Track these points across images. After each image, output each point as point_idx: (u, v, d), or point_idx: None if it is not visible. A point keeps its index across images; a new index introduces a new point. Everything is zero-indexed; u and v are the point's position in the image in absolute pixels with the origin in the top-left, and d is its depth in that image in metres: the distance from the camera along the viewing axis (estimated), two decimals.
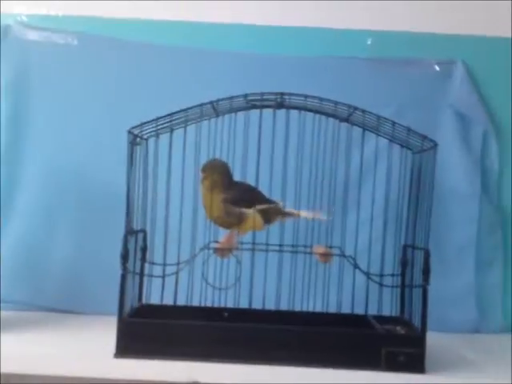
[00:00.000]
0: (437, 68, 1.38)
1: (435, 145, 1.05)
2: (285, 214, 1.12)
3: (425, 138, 1.06)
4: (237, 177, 1.12)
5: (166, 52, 1.38)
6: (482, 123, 1.37)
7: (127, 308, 1.05)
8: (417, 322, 1.05)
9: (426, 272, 1.03)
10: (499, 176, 1.39)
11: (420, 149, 1.09)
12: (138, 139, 1.08)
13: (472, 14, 1.39)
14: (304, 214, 1.12)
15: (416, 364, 1.00)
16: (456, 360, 1.12)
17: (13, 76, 1.38)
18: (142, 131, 1.07)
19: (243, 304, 1.13)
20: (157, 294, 1.11)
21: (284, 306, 1.14)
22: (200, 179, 1.10)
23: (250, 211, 1.10)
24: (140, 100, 1.35)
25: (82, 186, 1.37)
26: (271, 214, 1.11)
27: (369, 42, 1.39)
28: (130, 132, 1.06)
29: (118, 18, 1.39)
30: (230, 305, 1.13)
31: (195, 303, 1.12)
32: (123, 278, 1.03)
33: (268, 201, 1.11)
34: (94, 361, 1.00)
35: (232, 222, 1.10)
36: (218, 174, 1.10)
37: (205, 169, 1.10)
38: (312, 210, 1.12)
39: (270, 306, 1.13)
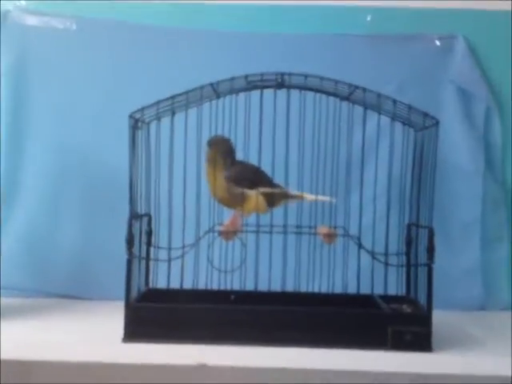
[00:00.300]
0: (438, 43, 1.37)
1: (437, 122, 1.04)
2: (289, 198, 1.12)
3: (426, 115, 1.05)
4: (239, 157, 1.12)
5: (166, 34, 1.37)
6: (484, 99, 1.36)
7: (134, 293, 1.05)
8: (423, 300, 1.05)
9: (431, 250, 1.03)
10: (503, 152, 1.38)
11: (422, 126, 1.08)
12: (140, 123, 1.08)
13: None
14: (308, 197, 1.11)
15: (423, 343, 1.01)
16: (463, 338, 1.12)
17: (13, 61, 1.37)
18: (143, 115, 1.06)
19: (249, 286, 1.13)
20: (163, 278, 1.11)
21: (290, 288, 1.14)
22: (205, 155, 1.10)
23: (251, 192, 1.10)
24: (140, 83, 1.34)
25: (86, 171, 1.36)
26: (275, 197, 1.11)
27: (368, 19, 1.38)
28: (131, 116, 1.05)
29: (116, 1, 1.38)
30: (236, 287, 1.14)
31: (201, 286, 1.12)
32: (129, 262, 1.03)
33: (272, 184, 1.11)
34: (102, 346, 1.01)
35: (234, 201, 1.10)
36: (221, 150, 1.10)
37: (210, 143, 1.10)
38: (315, 192, 1.12)
39: (276, 287, 1.13)
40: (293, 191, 1.12)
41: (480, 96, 1.36)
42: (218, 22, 1.37)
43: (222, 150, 1.10)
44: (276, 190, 1.11)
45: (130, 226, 1.03)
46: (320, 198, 1.11)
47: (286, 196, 1.11)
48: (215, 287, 1.13)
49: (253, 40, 1.36)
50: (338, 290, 1.15)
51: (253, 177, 1.10)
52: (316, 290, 1.17)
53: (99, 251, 1.35)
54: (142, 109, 1.04)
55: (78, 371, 0.96)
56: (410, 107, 1.05)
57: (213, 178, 1.09)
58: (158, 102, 1.04)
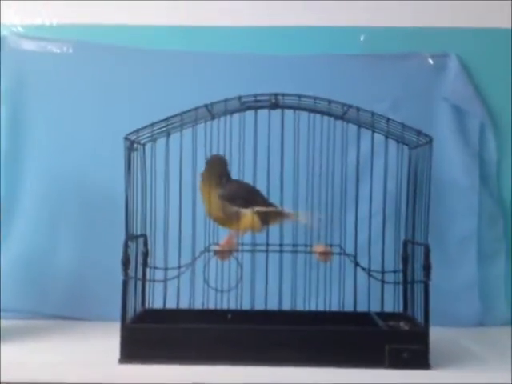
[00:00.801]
0: (431, 61, 1.38)
1: (430, 140, 1.05)
2: (283, 217, 1.12)
3: (420, 133, 1.06)
4: (234, 178, 1.12)
5: (161, 57, 1.39)
6: (478, 115, 1.37)
7: (130, 313, 1.05)
8: (420, 317, 1.05)
9: (427, 268, 1.03)
10: (498, 167, 1.39)
11: (416, 144, 1.09)
12: (135, 145, 1.08)
13: (464, 7, 1.39)
14: (302, 217, 1.12)
15: (420, 360, 1.00)
16: (461, 354, 1.12)
17: (11, 86, 1.39)
18: (138, 137, 1.07)
19: (246, 305, 1.13)
20: (160, 299, 1.11)
21: (286, 306, 1.14)
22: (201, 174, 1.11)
23: (246, 210, 1.10)
24: (136, 105, 1.36)
25: (82, 192, 1.37)
26: (270, 216, 1.11)
27: (362, 39, 1.39)
28: (126, 138, 1.06)
29: (111, 25, 1.39)
30: (232, 307, 1.13)
31: (198, 306, 1.12)
32: (125, 283, 1.03)
33: (267, 203, 1.12)
34: (98, 367, 1.01)
35: (229, 220, 1.10)
36: (217, 168, 1.11)
37: (206, 162, 1.11)
38: (309, 212, 1.12)
39: (273, 306, 1.13)
40: (287, 210, 1.12)
41: (474, 113, 1.37)
42: (212, 45, 1.39)
43: (217, 168, 1.11)
44: (271, 209, 1.11)
45: (126, 248, 1.03)
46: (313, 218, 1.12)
47: (280, 215, 1.12)
48: (212, 307, 1.13)
49: (247, 61, 1.38)
50: (335, 307, 1.15)
51: (247, 195, 1.11)
52: (313, 308, 1.17)
53: (96, 272, 1.35)
54: (137, 130, 1.05)
55: None
56: (403, 125, 1.06)
57: (208, 197, 1.10)
58: (152, 124, 1.05)
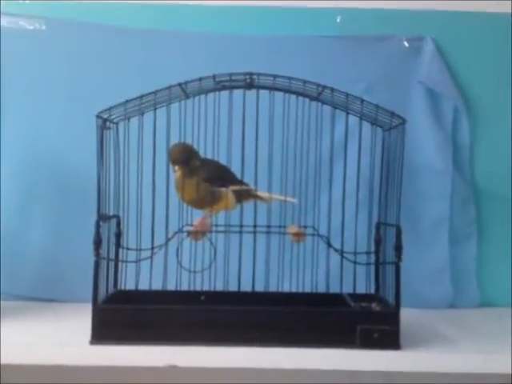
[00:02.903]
0: (406, 44, 1.38)
1: (403, 121, 1.05)
2: (255, 196, 1.12)
3: (393, 114, 1.06)
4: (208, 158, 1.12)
5: (134, 34, 1.37)
6: (452, 99, 1.37)
7: (102, 294, 1.05)
8: (391, 298, 1.05)
9: (398, 249, 1.04)
10: (471, 151, 1.39)
11: (389, 126, 1.09)
12: (108, 123, 1.07)
13: None
14: (274, 196, 1.11)
15: (391, 340, 1.01)
16: (431, 335, 1.13)
17: None
18: (111, 115, 1.06)
19: (219, 286, 1.13)
20: (133, 280, 1.10)
21: (260, 287, 1.13)
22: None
23: (224, 190, 1.10)
24: (109, 84, 1.33)
25: (54, 172, 1.35)
26: (242, 194, 1.11)
27: (338, 20, 1.39)
28: (98, 116, 1.05)
29: (85, 2, 1.37)
30: (205, 288, 1.13)
31: (171, 287, 1.12)
32: (96, 264, 1.02)
33: (240, 181, 1.11)
34: (69, 348, 1.00)
35: (206, 201, 1.10)
36: (184, 157, 1.09)
37: (172, 159, 1.08)
38: (285, 192, 1.12)
39: (246, 287, 1.12)
40: (259, 191, 1.12)
41: (448, 96, 1.37)
42: (187, 23, 1.37)
43: (184, 156, 1.09)
44: (245, 188, 1.11)
45: (98, 228, 1.02)
46: (286, 198, 1.11)
47: (252, 194, 1.12)
48: (185, 288, 1.13)
49: (223, 41, 1.36)
50: (308, 289, 1.16)
51: (223, 175, 1.11)
52: (286, 289, 1.17)
53: (68, 253, 1.34)
54: (110, 108, 1.04)
55: (46, 374, 0.95)
56: (377, 107, 1.06)
57: (181, 184, 1.08)
58: (125, 102, 1.04)
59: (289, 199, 1.12)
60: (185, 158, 1.08)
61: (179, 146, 1.09)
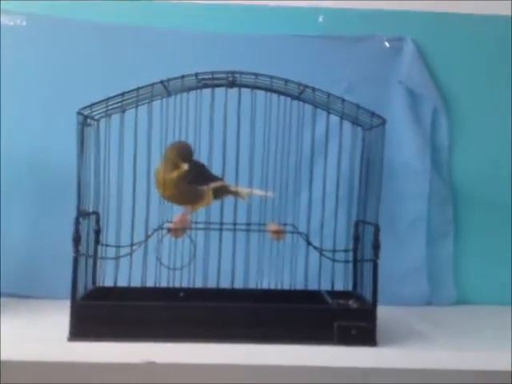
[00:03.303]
0: (387, 45, 1.39)
1: (383, 121, 1.06)
2: (232, 192, 1.12)
3: (373, 114, 1.07)
4: None
5: (116, 31, 1.36)
6: (431, 99, 1.39)
7: (81, 291, 1.05)
8: (369, 296, 1.07)
9: (376, 247, 1.05)
10: (449, 152, 1.41)
11: (370, 125, 1.10)
12: (89, 120, 1.07)
13: None
14: (250, 191, 1.12)
15: (368, 337, 1.02)
16: (408, 332, 1.14)
17: None
18: (92, 112, 1.06)
19: (198, 283, 1.14)
20: (112, 277, 1.10)
21: (239, 284, 1.14)
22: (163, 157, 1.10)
23: (205, 188, 1.10)
24: (91, 80, 1.33)
25: (35, 168, 1.35)
26: (220, 190, 1.11)
27: (320, 20, 1.39)
28: (79, 113, 1.04)
29: None
30: (185, 284, 1.14)
31: (150, 284, 1.12)
32: (75, 260, 1.02)
33: (217, 177, 1.12)
34: (47, 345, 1.00)
35: (187, 199, 1.10)
36: (169, 154, 1.09)
37: (185, 156, 1.08)
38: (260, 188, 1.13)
39: (225, 284, 1.13)
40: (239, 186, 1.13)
41: (428, 97, 1.39)
42: (170, 21, 1.37)
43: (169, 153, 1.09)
44: (224, 184, 1.12)
45: (77, 224, 1.02)
46: (261, 192, 1.12)
47: (229, 189, 1.12)
48: (164, 285, 1.13)
49: (204, 39, 1.36)
50: (287, 286, 1.16)
51: (202, 174, 1.11)
52: (265, 286, 1.18)
53: (47, 249, 1.33)
54: (91, 105, 1.04)
55: (24, 370, 0.95)
56: (357, 106, 1.07)
57: (162, 181, 1.08)
58: (107, 99, 1.04)
59: (267, 193, 1.12)
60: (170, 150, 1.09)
61: (186, 144, 1.09)
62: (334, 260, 1.10)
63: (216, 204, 1.11)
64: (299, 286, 1.16)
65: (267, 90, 1.08)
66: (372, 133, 1.11)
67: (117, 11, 1.37)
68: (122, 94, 1.04)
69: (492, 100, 1.41)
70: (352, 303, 1.11)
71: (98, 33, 1.36)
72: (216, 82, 1.06)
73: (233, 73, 1.05)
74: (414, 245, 1.39)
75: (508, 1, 1.39)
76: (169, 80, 1.04)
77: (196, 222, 1.11)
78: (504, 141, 1.42)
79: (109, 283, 1.12)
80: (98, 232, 1.11)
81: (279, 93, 1.09)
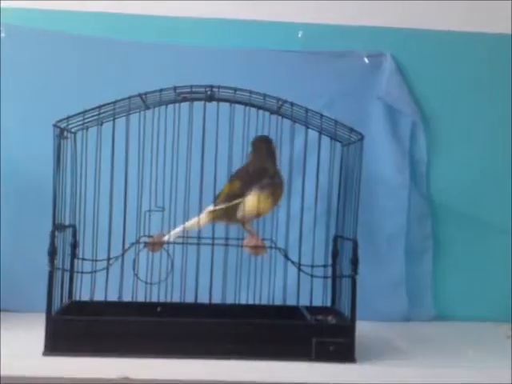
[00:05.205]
0: (366, 61, 1.40)
1: (362, 137, 1.07)
2: None
3: (352, 130, 1.07)
4: (168, 170, 1.11)
5: (94, 44, 1.36)
6: (410, 115, 1.40)
7: (57, 305, 1.03)
8: (347, 311, 1.06)
9: (355, 262, 1.05)
10: (428, 167, 1.42)
11: (348, 141, 1.11)
12: (66, 133, 1.06)
13: (400, 8, 1.41)
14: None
15: (346, 353, 1.02)
16: (386, 348, 1.14)
17: None
18: (68, 124, 1.05)
19: (176, 298, 1.13)
20: (88, 291, 1.09)
21: (217, 300, 1.13)
22: None
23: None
24: (68, 93, 1.33)
25: (10, 181, 1.34)
26: None
27: (300, 35, 1.40)
28: (56, 125, 1.04)
29: (45, 10, 1.36)
30: (162, 299, 1.13)
31: (127, 299, 1.11)
32: (51, 274, 1.01)
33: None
34: (22, 359, 0.99)
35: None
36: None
37: None
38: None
39: (203, 299, 1.12)
40: None
41: (406, 112, 1.40)
42: (148, 35, 1.38)
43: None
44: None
45: (53, 238, 1.01)
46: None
47: None
48: (141, 299, 1.12)
49: (183, 53, 1.37)
50: (265, 301, 1.16)
51: None
52: (243, 301, 1.17)
53: (23, 263, 1.32)
54: (67, 118, 1.03)
55: None
56: (336, 122, 1.07)
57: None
58: (84, 112, 1.03)
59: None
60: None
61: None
62: (312, 275, 1.09)
63: None
64: (277, 302, 1.15)
65: (246, 104, 1.08)
66: (350, 148, 1.11)
67: (95, 24, 1.37)
68: (99, 107, 1.03)
69: (470, 115, 1.43)
70: (330, 319, 1.10)
71: (76, 45, 1.36)
72: (194, 95, 1.06)
73: (211, 87, 1.05)
74: (392, 260, 1.39)
75: (484, 18, 1.41)
76: (147, 93, 1.04)
77: None
78: (482, 155, 1.43)
79: (85, 297, 1.11)
80: (74, 245, 1.10)
81: (258, 107, 1.09)
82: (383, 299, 1.37)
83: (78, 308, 1.08)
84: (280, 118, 1.09)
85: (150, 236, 1.10)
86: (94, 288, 1.08)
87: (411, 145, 1.41)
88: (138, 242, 1.07)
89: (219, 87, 1.05)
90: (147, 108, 1.07)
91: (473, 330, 1.33)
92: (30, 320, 1.18)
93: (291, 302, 1.13)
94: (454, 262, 1.42)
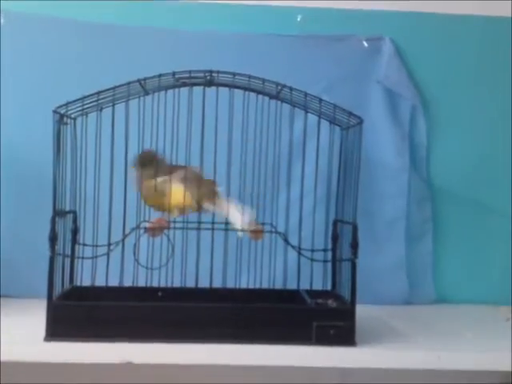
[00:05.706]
0: (365, 44, 1.40)
1: (361, 121, 1.06)
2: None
3: (350, 114, 1.07)
4: (167, 155, 1.11)
5: (94, 29, 1.36)
6: (410, 99, 1.40)
7: (58, 290, 1.04)
8: (347, 295, 1.07)
9: (355, 246, 1.05)
10: (428, 150, 1.42)
11: (347, 125, 1.10)
12: (65, 119, 1.06)
13: None
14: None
15: (346, 337, 1.02)
16: (387, 332, 1.14)
17: None
18: (68, 110, 1.05)
19: (176, 283, 1.13)
20: (89, 276, 1.09)
21: (217, 284, 1.13)
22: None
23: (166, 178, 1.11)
24: (68, 78, 1.33)
25: (11, 167, 1.34)
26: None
27: (298, 19, 1.40)
28: (55, 111, 1.03)
29: None
30: (163, 284, 1.13)
31: (128, 284, 1.11)
32: (52, 260, 1.01)
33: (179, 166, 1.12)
34: (24, 345, 0.99)
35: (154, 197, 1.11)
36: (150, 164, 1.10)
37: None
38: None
39: (204, 284, 1.13)
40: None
41: (406, 96, 1.40)
42: (147, 19, 1.37)
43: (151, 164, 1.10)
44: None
45: (54, 223, 1.01)
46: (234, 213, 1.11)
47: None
48: (142, 284, 1.12)
49: (182, 38, 1.36)
50: (265, 285, 1.16)
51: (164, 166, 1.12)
52: (244, 285, 1.17)
53: (24, 249, 1.32)
54: (67, 104, 1.03)
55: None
56: (335, 106, 1.07)
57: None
58: (83, 98, 1.03)
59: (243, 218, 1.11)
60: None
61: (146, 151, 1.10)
62: (312, 259, 1.10)
63: None
64: (278, 286, 1.15)
65: (245, 89, 1.08)
66: (350, 132, 1.11)
67: (94, 10, 1.37)
68: (98, 93, 1.03)
69: (470, 98, 1.43)
70: (331, 303, 1.11)
71: (75, 31, 1.36)
72: (194, 80, 1.05)
73: (210, 72, 1.04)
74: (392, 244, 1.39)
75: (484, 1, 1.40)
76: (146, 79, 1.03)
77: (174, 222, 1.10)
78: (482, 138, 1.43)
79: (86, 283, 1.11)
80: (75, 231, 1.10)
81: (257, 92, 1.08)
82: (383, 283, 1.37)
83: (79, 293, 1.09)
84: (279, 102, 1.09)
85: (149, 221, 1.10)
86: (94, 273, 1.08)
87: (411, 128, 1.41)
88: (138, 227, 1.07)
89: (218, 72, 1.04)
90: (146, 93, 1.07)
91: (473, 312, 1.33)
92: (30, 306, 1.19)
93: (291, 286, 1.14)
94: (454, 245, 1.42)
